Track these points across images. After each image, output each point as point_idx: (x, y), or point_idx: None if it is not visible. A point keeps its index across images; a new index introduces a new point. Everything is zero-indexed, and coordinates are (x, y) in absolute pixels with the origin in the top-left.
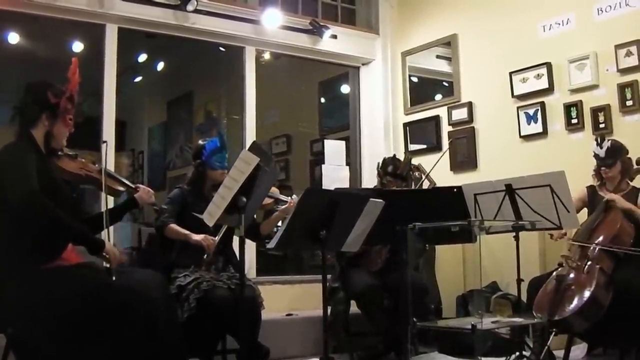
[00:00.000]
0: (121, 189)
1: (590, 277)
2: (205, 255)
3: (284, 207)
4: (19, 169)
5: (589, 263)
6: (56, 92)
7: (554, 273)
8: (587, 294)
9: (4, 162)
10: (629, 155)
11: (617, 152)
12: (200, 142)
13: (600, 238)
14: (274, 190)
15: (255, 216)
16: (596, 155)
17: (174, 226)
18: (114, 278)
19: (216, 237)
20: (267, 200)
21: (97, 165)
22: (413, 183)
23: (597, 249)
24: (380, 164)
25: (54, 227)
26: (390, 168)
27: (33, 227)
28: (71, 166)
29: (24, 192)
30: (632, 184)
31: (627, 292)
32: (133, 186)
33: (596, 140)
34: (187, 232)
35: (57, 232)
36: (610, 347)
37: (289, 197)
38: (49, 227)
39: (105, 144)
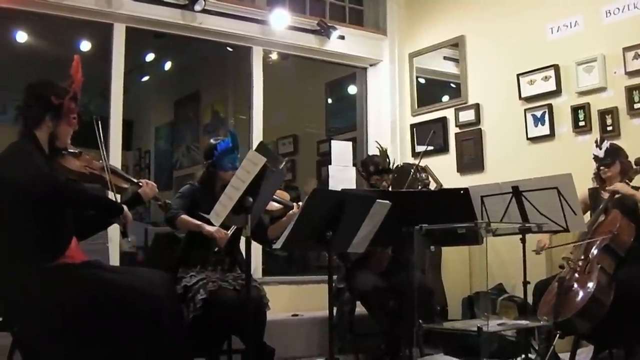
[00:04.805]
0: (125, 185)
1: (591, 277)
2: (217, 248)
3: (291, 212)
4: (27, 160)
5: (589, 263)
6: (59, 93)
7: (557, 276)
8: (588, 294)
9: (10, 159)
10: (628, 158)
11: (615, 152)
12: (212, 141)
13: (601, 238)
14: (284, 196)
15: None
16: (595, 157)
17: (185, 217)
18: (129, 239)
19: (228, 232)
20: (276, 207)
21: (100, 162)
22: (419, 185)
23: (597, 250)
24: (360, 168)
25: (77, 199)
26: (372, 168)
27: (44, 217)
28: (75, 165)
29: (37, 176)
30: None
31: (630, 291)
32: (136, 181)
33: (595, 142)
34: (199, 222)
35: (81, 203)
36: (615, 347)
37: (297, 204)
38: (72, 201)
39: (98, 122)
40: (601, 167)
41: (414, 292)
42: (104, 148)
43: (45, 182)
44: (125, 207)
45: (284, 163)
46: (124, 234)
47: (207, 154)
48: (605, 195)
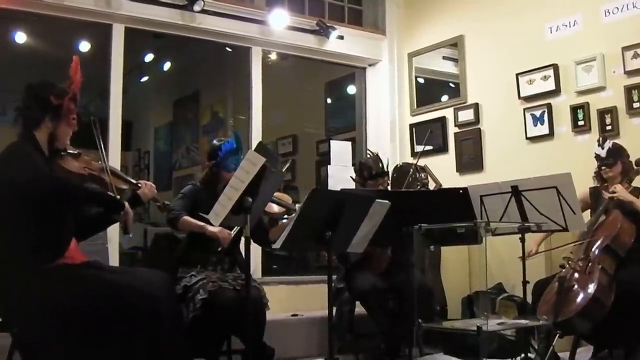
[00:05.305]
0: (124, 186)
1: (592, 277)
2: (220, 248)
3: (293, 215)
4: (27, 160)
5: (590, 263)
6: (58, 94)
7: (557, 275)
8: (589, 294)
9: (9, 160)
10: (630, 159)
11: (617, 152)
12: (216, 142)
13: (601, 238)
14: (285, 198)
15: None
16: (597, 156)
17: (187, 218)
18: (130, 235)
19: (232, 232)
20: (276, 209)
21: (100, 163)
22: (419, 185)
23: (598, 250)
24: (354, 174)
25: (78, 196)
26: (365, 173)
27: (44, 218)
28: (74, 166)
29: (37, 175)
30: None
31: (631, 292)
32: (135, 182)
33: (598, 141)
34: (202, 223)
35: (82, 200)
36: (615, 347)
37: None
38: (73, 198)
39: (96, 122)
40: (603, 167)
41: (413, 292)
42: (102, 149)
43: (45, 181)
44: (126, 203)
45: (287, 165)
46: (125, 230)
47: (211, 154)
48: (606, 196)
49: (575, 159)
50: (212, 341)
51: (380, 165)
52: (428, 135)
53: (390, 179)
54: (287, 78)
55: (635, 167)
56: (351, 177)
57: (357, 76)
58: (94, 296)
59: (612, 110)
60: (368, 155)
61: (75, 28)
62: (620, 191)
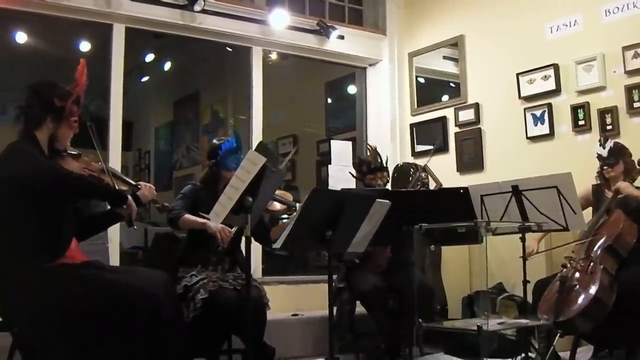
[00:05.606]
0: (124, 187)
1: (594, 277)
2: (219, 247)
3: (294, 214)
4: (27, 157)
5: (592, 263)
6: (62, 95)
7: (558, 274)
8: (590, 294)
9: (10, 158)
10: (632, 158)
11: (619, 152)
12: (216, 141)
13: (603, 238)
14: (286, 196)
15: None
16: (599, 156)
17: (188, 216)
18: (135, 227)
19: (232, 229)
20: (279, 207)
21: (100, 164)
22: (419, 184)
23: (600, 250)
24: (353, 170)
25: (81, 188)
26: (364, 168)
27: (44, 218)
28: (74, 166)
29: (38, 169)
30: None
31: (632, 292)
32: (135, 183)
33: (599, 141)
34: (203, 220)
35: (85, 192)
36: (616, 348)
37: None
38: (74, 189)
39: (92, 127)
40: (605, 167)
41: (414, 292)
42: (100, 152)
43: (46, 172)
44: (129, 197)
45: (291, 154)
46: (129, 223)
47: (211, 153)
48: (609, 195)
49: (575, 158)
50: (212, 341)
51: (379, 159)
52: (438, 141)
53: (389, 175)
54: (288, 78)
55: (637, 167)
56: (350, 172)
57: (357, 76)
58: (94, 296)
59: (612, 110)
60: (367, 153)
61: (76, 28)
62: (625, 187)
